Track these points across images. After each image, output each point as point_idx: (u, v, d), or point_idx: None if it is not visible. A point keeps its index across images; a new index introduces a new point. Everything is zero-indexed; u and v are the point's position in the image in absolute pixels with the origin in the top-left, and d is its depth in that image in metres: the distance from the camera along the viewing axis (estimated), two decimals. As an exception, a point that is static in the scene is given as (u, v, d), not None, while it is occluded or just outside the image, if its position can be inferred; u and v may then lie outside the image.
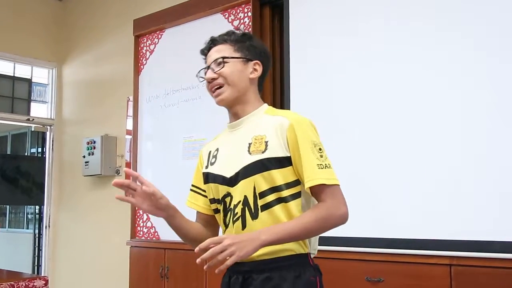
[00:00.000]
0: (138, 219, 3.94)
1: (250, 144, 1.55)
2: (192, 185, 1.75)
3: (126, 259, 3.91)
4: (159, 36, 3.98)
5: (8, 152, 8.56)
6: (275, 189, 1.49)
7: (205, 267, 1.39)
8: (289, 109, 3.01)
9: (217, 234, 1.68)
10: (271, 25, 3.42)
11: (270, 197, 1.49)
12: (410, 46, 2.57)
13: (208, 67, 1.63)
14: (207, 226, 1.72)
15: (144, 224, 3.89)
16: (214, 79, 1.60)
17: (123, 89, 4.43)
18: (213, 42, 1.66)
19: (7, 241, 8.58)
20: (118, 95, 4.53)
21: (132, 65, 4.13)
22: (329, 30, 2.89)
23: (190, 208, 1.75)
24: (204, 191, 1.69)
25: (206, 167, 1.68)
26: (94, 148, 4.54)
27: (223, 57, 1.59)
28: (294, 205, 1.50)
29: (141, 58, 4.08)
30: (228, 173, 1.57)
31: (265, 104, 1.67)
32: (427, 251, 2.37)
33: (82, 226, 4.87)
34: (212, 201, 1.64)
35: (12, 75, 5.39)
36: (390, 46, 2.64)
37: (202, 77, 1.68)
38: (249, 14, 3.37)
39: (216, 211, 1.65)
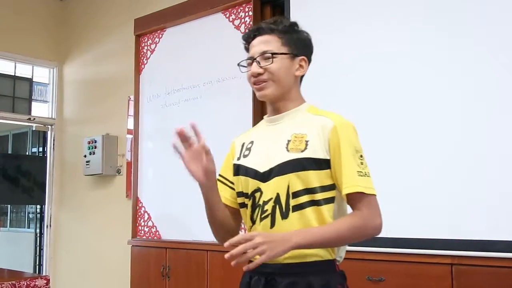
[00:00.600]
0: (139, 219, 3.94)
1: (289, 141, 1.50)
2: (220, 175, 1.67)
3: (127, 258, 3.91)
4: (160, 36, 3.98)
5: (9, 152, 8.57)
6: (309, 190, 1.45)
7: (233, 263, 1.33)
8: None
9: (239, 230, 1.64)
10: (272, 24, 3.42)
11: (303, 198, 1.45)
12: (411, 45, 2.57)
13: (253, 59, 1.54)
14: (234, 219, 1.66)
15: (146, 224, 3.89)
16: (260, 74, 1.53)
17: (124, 88, 4.43)
18: (258, 30, 1.56)
19: (8, 241, 8.58)
20: (119, 94, 4.53)
21: (133, 65, 4.13)
22: (330, 30, 2.88)
23: None
24: (232, 183, 1.63)
25: (238, 158, 1.62)
26: (95, 147, 4.54)
27: (273, 53, 1.51)
28: (326, 209, 1.45)
29: (142, 58, 4.08)
30: (262, 168, 1.51)
31: (307, 102, 1.61)
32: (429, 251, 2.37)
33: (83, 225, 4.88)
34: (240, 194, 1.59)
35: (13, 74, 5.39)
36: (390, 45, 2.64)
37: (243, 66, 1.59)
38: (250, 13, 3.37)
39: (242, 205, 1.59)
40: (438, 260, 2.34)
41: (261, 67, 1.52)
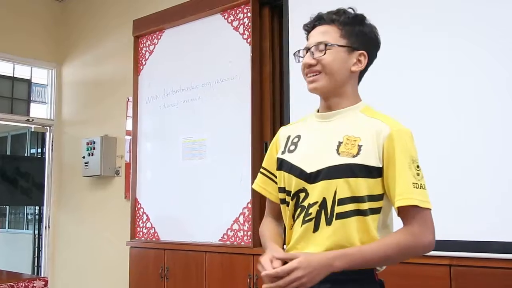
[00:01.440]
0: (138, 220, 3.94)
1: (340, 143, 1.41)
2: (263, 168, 1.60)
3: (126, 260, 3.91)
4: (159, 37, 3.98)
5: (8, 153, 8.56)
6: (356, 199, 1.36)
7: None
8: (288, 110, 3.01)
9: (283, 227, 1.56)
10: (270, 25, 3.43)
11: (349, 207, 1.36)
12: (410, 46, 2.57)
13: (308, 49, 1.47)
14: (281, 220, 1.58)
15: (144, 225, 3.89)
16: (311, 65, 1.45)
17: (123, 89, 4.43)
18: (319, 20, 1.49)
19: (6, 242, 8.57)
20: (118, 95, 4.53)
21: (131, 66, 4.13)
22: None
23: (259, 192, 1.61)
24: (276, 176, 1.55)
25: (283, 152, 1.53)
26: (94, 148, 4.54)
27: (327, 44, 1.43)
28: (371, 220, 1.37)
29: (141, 59, 4.08)
30: (309, 168, 1.42)
31: (363, 101, 1.51)
32: (427, 252, 2.37)
33: (82, 226, 4.87)
34: (281, 190, 1.51)
35: (12, 75, 5.38)
36: (390, 46, 2.63)
37: (300, 57, 1.51)
38: (249, 14, 3.37)
39: (283, 201, 1.51)
40: (437, 261, 2.34)
41: (314, 58, 1.44)
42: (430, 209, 1.35)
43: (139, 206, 3.95)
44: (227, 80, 3.43)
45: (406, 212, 1.35)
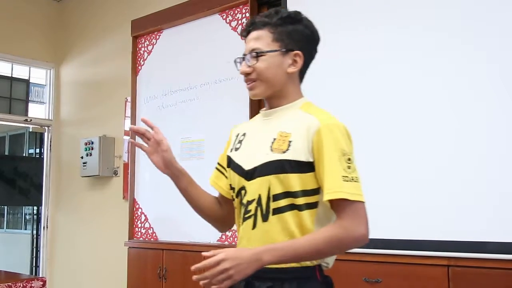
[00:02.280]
0: (136, 220, 3.93)
1: (274, 139, 1.43)
2: (218, 163, 1.64)
3: (124, 260, 3.90)
4: (157, 37, 3.97)
5: (6, 153, 8.55)
6: (289, 194, 1.38)
7: (201, 283, 1.32)
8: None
9: (232, 217, 1.58)
10: (269, 25, 3.42)
11: (283, 202, 1.38)
12: (410, 46, 2.57)
13: (244, 56, 1.49)
14: (224, 205, 1.62)
15: (142, 225, 3.88)
16: (248, 73, 1.47)
17: (121, 89, 4.43)
18: (252, 25, 1.49)
19: (5, 242, 8.56)
20: (116, 95, 4.53)
21: (130, 66, 4.13)
22: (327, 31, 2.87)
23: (212, 187, 1.64)
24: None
25: (231, 150, 1.57)
26: (92, 148, 4.54)
27: (258, 52, 1.44)
28: (307, 215, 1.38)
29: (139, 59, 4.08)
30: (247, 166, 1.47)
31: (304, 98, 1.52)
32: (425, 252, 2.37)
33: (80, 227, 4.87)
34: (231, 187, 1.54)
35: (10, 75, 5.38)
36: (390, 46, 2.64)
37: (239, 63, 1.53)
38: (247, 14, 3.37)
39: (233, 199, 1.55)
40: (435, 261, 2.34)
41: (249, 66, 1.46)
42: (362, 202, 1.35)
43: (137, 206, 3.94)
44: (225, 80, 3.43)
45: (337, 206, 1.34)
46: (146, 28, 4.01)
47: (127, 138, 4.27)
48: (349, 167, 1.34)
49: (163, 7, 3.92)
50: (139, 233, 3.89)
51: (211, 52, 3.56)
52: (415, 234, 2.43)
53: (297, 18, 1.49)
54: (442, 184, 2.39)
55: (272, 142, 1.43)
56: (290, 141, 1.40)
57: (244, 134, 1.57)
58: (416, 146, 2.49)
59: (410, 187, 2.48)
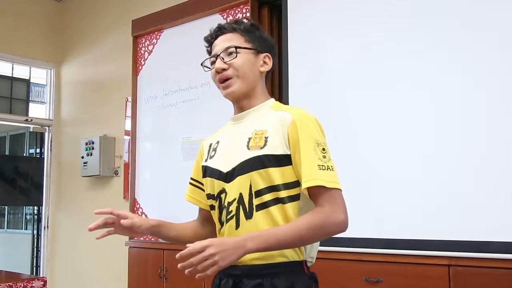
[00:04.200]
0: (137, 220, 3.93)
1: (250, 139, 1.46)
2: (191, 179, 1.68)
3: (124, 260, 3.90)
4: (158, 37, 3.97)
5: (7, 153, 8.56)
6: (273, 188, 1.40)
7: (186, 272, 1.33)
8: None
9: (215, 233, 1.60)
10: (269, 25, 3.42)
11: (267, 196, 1.40)
12: (409, 47, 2.57)
13: (217, 56, 1.52)
14: (206, 223, 1.65)
15: (143, 225, 3.88)
16: (224, 69, 1.50)
17: (122, 89, 4.43)
18: (220, 30, 1.55)
19: (5, 242, 8.57)
20: (117, 95, 4.53)
21: (130, 66, 4.13)
22: (329, 30, 2.88)
23: (189, 202, 1.68)
24: (203, 184, 1.61)
25: (206, 160, 1.59)
26: (93, 148, 4.54)
27: (236, 47, 1.49)
28: (291, 207, 1.40)
29: (140, 59, 4.08)
30: (225, 168, 1.48)
31: (272, 99, 1.58)
32: (426, 252, 2.37)
33: (80, 226, 4.86)
34: (208, 196, 1.56)
35: (11, 75, 5.38)
36: (389, 47, 2.64)
37: (207, 67, 1.57)
38: (248, 14, 3.36)
39: (212, 207, 1.56)
40: (436, 261, 2.34)
41: (225, 62, 1.50)
42: (339, 190, 1.38)
43: (138, 206, 3.94)
44: (226, 80, 3.43)
45: (315, 194, 1.37)
46: (146, 28, 4.01)
47: (127, 138, 4.27)
48: (324, 157, 1.38)
49: (164, 7, 3.92)
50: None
51: (212, 52, 3.56)
52: (416, 233, 2.43)
53: (259, 27, 1.59)
54: (443, 183, 2.38)
55: (248, 141, 1.46)
56: (266, 137, 1.44)
57: (217, 142, 1.59)
58: (417, 145, 2.49)
59: (411, 187, 2.48)
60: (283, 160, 1.41)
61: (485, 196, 2.26)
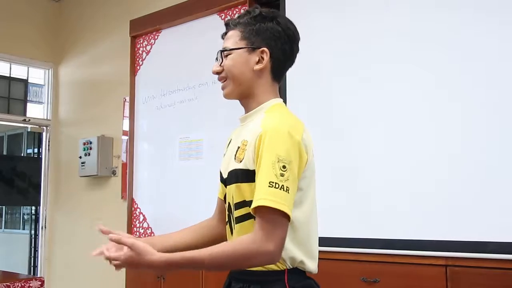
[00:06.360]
0: (135, 220, 3.93)
1: (238, 148, 1.41)
2: (220, 170, 1.59)
3: (122, 260, 3.89)
4: (156, 37, 3.97)
5: (4, 153, 8.54)
6: (245, 203, 1.34)
7: (106, 253, 1.43)
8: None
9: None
10: (267, 26, 3.42)
11: (242, 211, 1.36)
12: (409, 47, 2.57)
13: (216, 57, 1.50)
14: (220, 217, 1.59)
15: (141, 225, 3.88)
16: (218, 72, 1.49)
17: (120, 89, 4.42)
18: (226, 26, 1.52)
19: (3, 242, 8.55)
20: (115, 95, 4.53)
21: (128, 66, 4.13)
22: (327, 31, 2.89)
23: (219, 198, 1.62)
24: None
25: (224, 155, 1.56)
26: (91, 148, 4.53)
27: (222, 50, 1.47)
28: None
29: (137, 59, 4.08)
30: (224, 173, 1.47)
31: (272, 100, 1.47)
32: (423, 252, 2.37)
33: (78, 226, 4.86)
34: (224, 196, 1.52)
35: (8, 75, 5.38)
36: (388, 47, 2.64)
37: None
38: (246, 15, 3.36)
39: None
40: (433, 261, 2.35)
41: (220, 65, 1.48)
42: (283, 212, 1.22)
43: (135, 206, 3.94)
44: (224, 80, 3.43)
45: (257, 214, 1.25)
46: (144, 28, 4.01)
47: (125, 138, 4.27)
48: (282, 175, 1.23)
49: (162, 7, 3.92)
50: (138, 233, 3.89)
51: (210, 52, 3.52)
52: (413, 234, 2.44)
53: (269, 16, 1.45)
54: (440, 184, 2.39)
55: (236, 151, 1.41)
56: (246, 150, 1.37)
57: (230, 141, 1.55)
58: (415, 146, 2.50)
59: (408, 188, 2.48)
60: (251, 176, 1.32)
61: (482, 197, 2.27)
